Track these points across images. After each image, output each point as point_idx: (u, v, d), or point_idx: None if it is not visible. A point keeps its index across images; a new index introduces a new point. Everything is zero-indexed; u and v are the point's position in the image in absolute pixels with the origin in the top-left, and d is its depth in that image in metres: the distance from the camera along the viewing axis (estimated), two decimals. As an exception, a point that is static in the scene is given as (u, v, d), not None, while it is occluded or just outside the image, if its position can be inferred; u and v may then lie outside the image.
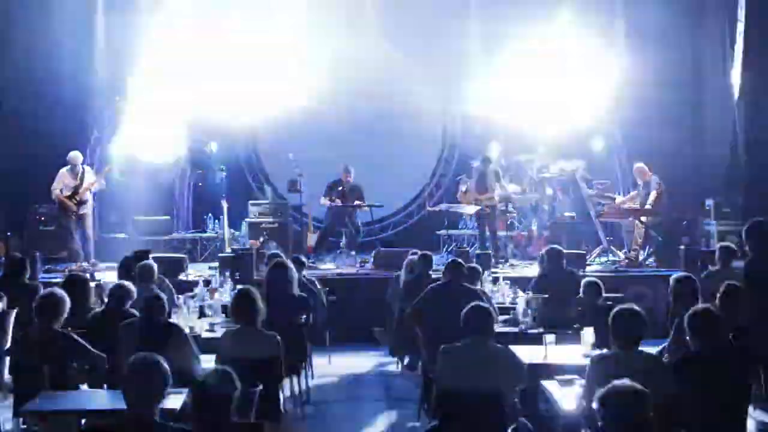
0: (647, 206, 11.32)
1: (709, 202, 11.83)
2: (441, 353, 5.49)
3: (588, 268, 10.64)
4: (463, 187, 12.06)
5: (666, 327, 6.51)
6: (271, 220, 12.28)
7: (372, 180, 12.54)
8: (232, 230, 12.49)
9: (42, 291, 6.24)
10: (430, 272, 8.82)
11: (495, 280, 9.03)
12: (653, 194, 11.26)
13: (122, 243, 11.97)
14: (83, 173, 11.31)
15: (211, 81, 11.99)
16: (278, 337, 6.10)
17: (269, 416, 5.60)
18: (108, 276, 9.72)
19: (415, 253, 9.39)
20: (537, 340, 6.55)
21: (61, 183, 11.21)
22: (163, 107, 11.98)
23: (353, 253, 11.92)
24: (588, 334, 6.18)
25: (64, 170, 11.26)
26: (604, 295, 7.36)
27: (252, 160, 14.33)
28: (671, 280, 6.87)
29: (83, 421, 5.07)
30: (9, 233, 11.41)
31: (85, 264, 10.90)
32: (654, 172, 11.53)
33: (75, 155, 11.32)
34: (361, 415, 7.42)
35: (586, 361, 5.60)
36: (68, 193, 11.18)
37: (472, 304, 5.63)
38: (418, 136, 14.08)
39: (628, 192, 12.97)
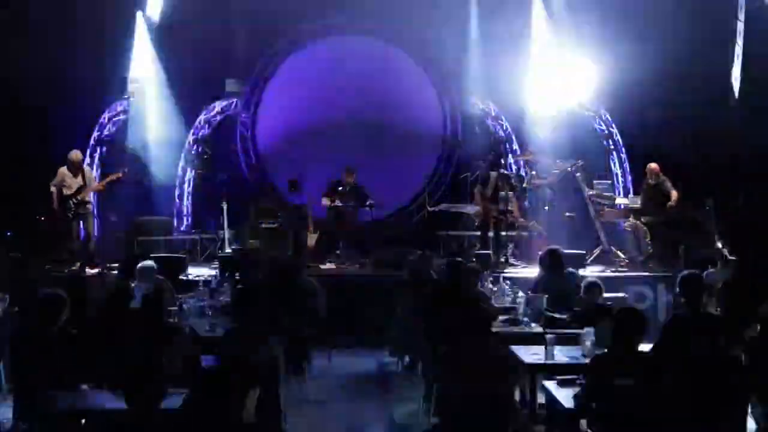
0: (669, 205, 11.37)
1: (709, 202, 11.82)
2: (441, 353, 5.50)
3: (588, 268, 10.64)
4: (477, 194, 12.12)
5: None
6: (271, 220, 12.31)
7: (372, 180, 12.54)
8: (232, 230, 12.49)
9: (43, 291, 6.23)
10: (431, 273, 8.83)
11: (495, 281, 9.03)
12: (677, 196, 11.33)
13: (122, 243, 11.98)
14: (84, 173, 11.30)
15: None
16: (278, 337, 6.10)
17: (269, 416, 5.61)
18: (108, 276, 9.74)
19: (415, 254, 9.41)
20: (537, 340, 6.55)
21: (60, 182, 11.19)
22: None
23: (353, 253, 11.92)
24: (588, 334, 6.18)
25: (63, 169, 11.25)
26: (604, 295, 7.36)
27: (252, 160, 14.33)
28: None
29: (83, 421, 5.07)
30: (9, 233, 11.41)
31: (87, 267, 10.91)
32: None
33: (75, 155, 11.30)
34: (361, 415, 7.42)
35: (586, 361, 5.61)
36: (69, 193, 11.17)
37: (472, 304, 5.63)
38: (418, 136, 14.08)
39: (627, 192, 12.99)
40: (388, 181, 13.25)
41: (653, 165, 11.67)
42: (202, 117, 13.75)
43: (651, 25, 12.34)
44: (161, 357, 4.67)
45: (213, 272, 10.50)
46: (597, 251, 11.72)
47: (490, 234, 11.73)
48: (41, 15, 12.20)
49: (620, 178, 13.45)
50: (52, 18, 12.23)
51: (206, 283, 9.06)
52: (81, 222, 11.28)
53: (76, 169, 11.24)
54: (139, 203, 12.59)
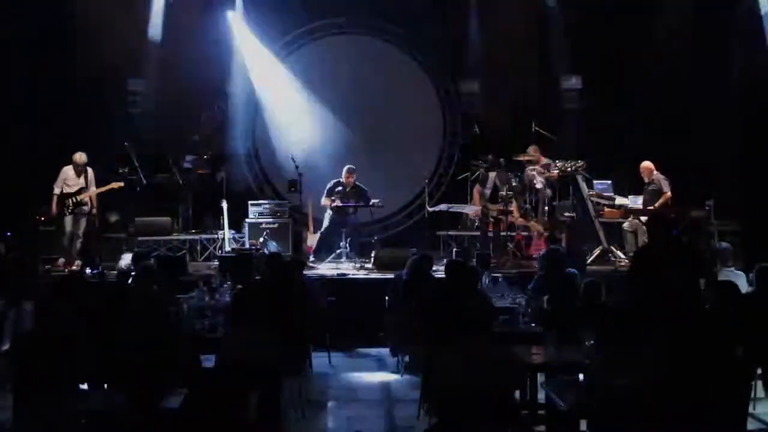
0: (656, 206, 11.36)
1: (709, 202, 11.83)
2: (441, 353, 5.49)
3: (588, 268, 10.63)
4: (476, 194, 12.12)
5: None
6: (271, 220, 12.31)
7: (372, 180, 12.54)
8: (232, 231, 12.49)
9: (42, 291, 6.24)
10: (431, 272, 8.83)
11: (495, 281, 9.03)
12: (665, 197, 11.33)
13: (122, 243, 11.98)
14: (86, 175, 11.31)
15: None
16: (278, 338, 6.09)
17: (269, 417, 5.60)
18: (108, 276, 9.73)
19: (416, 254, 9.41)
20: (537, 340, 6.54)
21: (62, 182, 11.19)
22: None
23: (353, 253, 11.92)
24: (588, 334, 6.17)
25: (67, 168, 11.26)
26: (604, 295, 7.35)
27: (252, 160, 14.32)
28: None
29: (83, 421, 5.06)
30: (9, 233, 11.39)
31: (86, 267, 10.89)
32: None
33: (80, 156, 11.30)
34: (361, 415, 7.42)
35: (586, 361, 5.61)
36: (69, 192, 11.18)
37: (472, 303, 5.63)
38: (418, 136, 14.08)
39: (627, 192, 12.98)
40: (388, 181, 13.25)
41: (645, 163, 11.67)
42: (202, 117, 13.74)
43: (652, 25, 12.37)
44: (161, 357, 4.65)
45: (213, 272, 10.49)
46: (597, 251, 11.71)
47: (490, 234, 11.73)
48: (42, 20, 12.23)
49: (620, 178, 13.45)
50: (52, 22, 12.25)
51: (206, 283, 9.05)
52: (79, 222, 11.29)
53: (80, 170, 11.27)
54: (139, 203, 12.58)
